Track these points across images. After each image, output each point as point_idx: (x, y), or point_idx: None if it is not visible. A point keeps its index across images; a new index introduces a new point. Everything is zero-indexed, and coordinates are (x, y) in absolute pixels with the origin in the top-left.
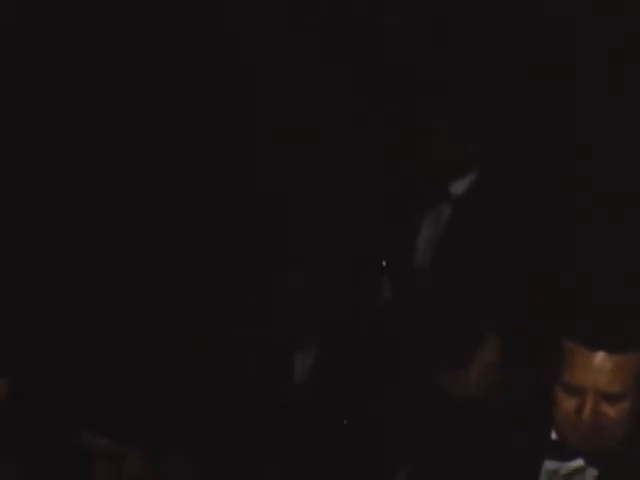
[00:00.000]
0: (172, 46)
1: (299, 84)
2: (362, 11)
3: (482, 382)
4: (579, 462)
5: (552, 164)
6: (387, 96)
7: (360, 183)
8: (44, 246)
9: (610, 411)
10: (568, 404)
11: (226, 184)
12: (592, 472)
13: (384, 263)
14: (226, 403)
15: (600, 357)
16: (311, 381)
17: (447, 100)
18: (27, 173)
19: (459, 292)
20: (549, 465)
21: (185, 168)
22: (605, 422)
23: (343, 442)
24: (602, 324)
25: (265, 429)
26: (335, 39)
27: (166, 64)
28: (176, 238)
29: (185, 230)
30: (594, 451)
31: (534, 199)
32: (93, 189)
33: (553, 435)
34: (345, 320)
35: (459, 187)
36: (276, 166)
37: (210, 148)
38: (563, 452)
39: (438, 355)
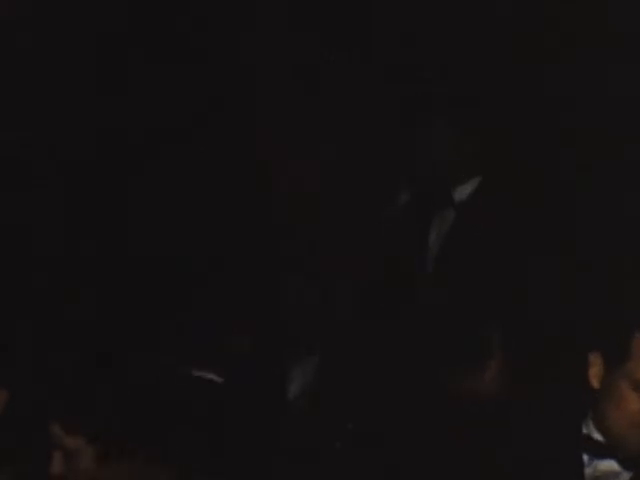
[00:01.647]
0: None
1: (298, 82)
2: (363, 9)
3: (496, 383)
4: (611, 464)
5: (555, 165)
6: (389, 94)
7: (364, 187)
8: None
9: None
10: (636, 403)
11: (226, 184)
12: (625, 476)
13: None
14: (220, 411)
15: None
16: (312, 387)
17: (448, 96)
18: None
19: (463, 295)
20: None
21: (187, 166)
22: None
23: (345, 449)
24: None
25: (262, 435)
26: (336, 38)
27: (167, 64)
28: (176, 238)
29: (186, 231)
30: None
31: (539, 201)
32: (94, 192)
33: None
34: (348, 326)
35: (463, 192)
36: (277, 167)
37: (211, 148)
38: (595, 449)
39: (449, 358)
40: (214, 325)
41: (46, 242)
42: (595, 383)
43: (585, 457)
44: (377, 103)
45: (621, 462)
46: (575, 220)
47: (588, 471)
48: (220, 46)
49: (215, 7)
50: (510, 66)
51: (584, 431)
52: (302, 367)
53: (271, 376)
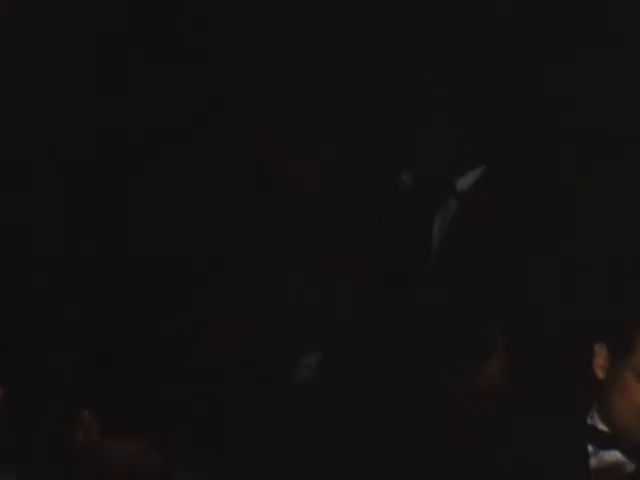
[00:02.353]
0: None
1: (298, 82)
2: (363, 9)
3: (496, 383)
4: (616, 455)
5: (555, 165)
6: (389, 94)
7: (364, 187)
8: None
9: None
10: None
11: (226, 184)
12: (630, 466)
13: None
14: (224, 406)
15: None
16: (315, 383)
17: (448, 96)
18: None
19: (463, 295)
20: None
21: (187, 166)
22: None
23: (347, 443)
24: None
25: (268, 429)
26: (336, 38)
27: (168, 64)
28: (176, 238)
29: (186, 231)
30: None
31: (539, 201)
32: (94, 192)
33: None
34: (350, 324)
35: (465, 182)
36: (277, 167)
37: (211, 148)
38: (599, 440)
39: (449, 358)
40: (213, 324)
41: (46, 242)
42: (600, 374)
43: (590, 448)
44: (377, 103)
45: (626, 453)
46: (575, 220)
47: (593, 461)
48: (220, 46)
49: (215, 7)
50: (510, 66)
51: (589, 422)
52: (305, 363)
53: (274, 373)
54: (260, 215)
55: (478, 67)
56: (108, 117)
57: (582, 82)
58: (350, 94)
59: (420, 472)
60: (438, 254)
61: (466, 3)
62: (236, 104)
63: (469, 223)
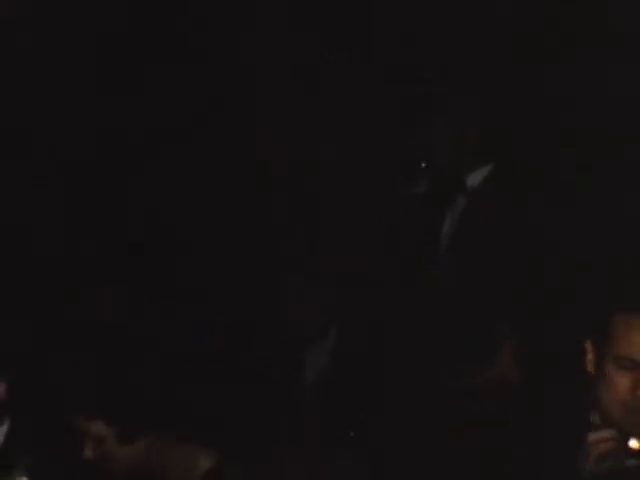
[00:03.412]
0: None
1: (298, 82)
2: (363, 9)
3: (498, 382)
4: None
5: (555, 165)
6: (389, 94)
7: (364, 186)
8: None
9: None
10: (622, 382)
11: (226, 184)
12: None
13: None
14: (235, 398)
15: None
16: (324, 379)
17: (448, 96)
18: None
19: (471, 286)
20: None
21: (187, 166)
22: None
23: (348, 443)
24: None
25: (268, 429)
26: (336, 38)
27: (170, 63)
28: (176, 238)
29: (186, 231)
30: None
31: (539, 201)
32: (94, 192)
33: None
34: (350, 323)
35: (475, 179)
36: (277, 167)
37: (211, 148)
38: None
39: (452, 357)
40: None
41: (46, 242)
42: (590, 368)
43: None
44: (377, 103)
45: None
46: (575, 220)
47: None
48: (220, 46)
49: (215, 7)
50: (510, 66)
51: (592, 420)
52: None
53: (274, 373)
54: (260, 215)
55: (478, 67)
56: (108, 117)
57: (582, 82)
58: (350, 94)
59: (420, 472)
60: (447, 251)
61: (466, 3)
62: (236, 104)
63: (477, 220)
